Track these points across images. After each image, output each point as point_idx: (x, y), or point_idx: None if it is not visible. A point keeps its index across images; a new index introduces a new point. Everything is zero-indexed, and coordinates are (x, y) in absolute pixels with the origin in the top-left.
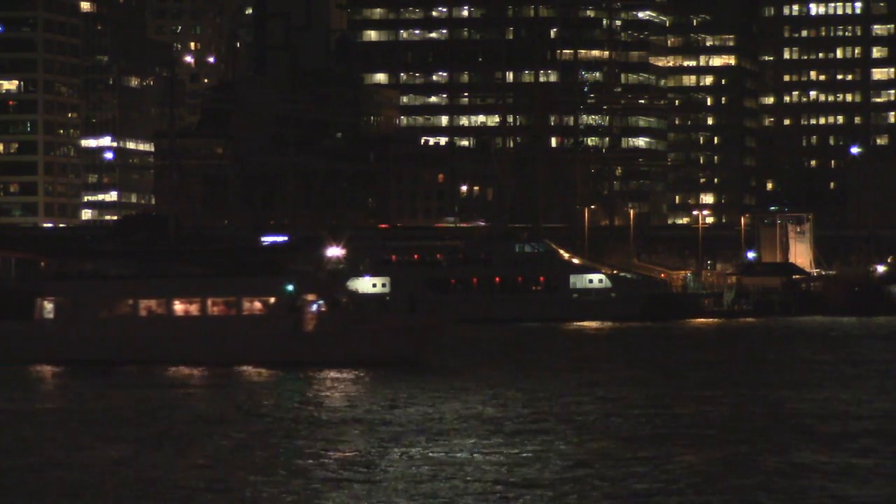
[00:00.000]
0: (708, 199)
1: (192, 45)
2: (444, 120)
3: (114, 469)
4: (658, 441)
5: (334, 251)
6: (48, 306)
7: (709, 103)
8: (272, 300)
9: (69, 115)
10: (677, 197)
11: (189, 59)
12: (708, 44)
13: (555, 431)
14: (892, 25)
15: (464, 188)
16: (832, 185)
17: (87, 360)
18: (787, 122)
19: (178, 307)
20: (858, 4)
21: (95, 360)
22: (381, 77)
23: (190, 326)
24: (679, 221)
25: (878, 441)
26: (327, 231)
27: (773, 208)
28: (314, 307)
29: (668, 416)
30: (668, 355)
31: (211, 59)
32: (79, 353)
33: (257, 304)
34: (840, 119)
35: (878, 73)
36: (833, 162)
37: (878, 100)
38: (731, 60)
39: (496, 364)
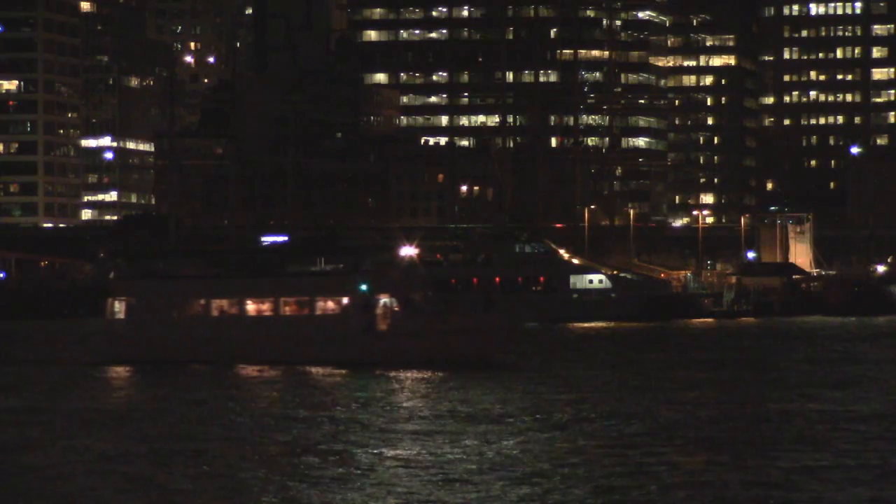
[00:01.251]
0: (708, 199)
1: (192, 45)
2: (444, 120)
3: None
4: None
5: (408, 250)
6: (119, 306)
7: (709, 103)
8: (346, 300)
9: (69, 115)
10: (677, 197)
11: (189, 59)
12: (708, 44)
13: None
14: (892, 25)
15: (464, 188)
16: (832, 185)
17: (159, 360)
18: (787, 122)
19: (251, 307)
20: (858, 4)
21: (167, 360)
22: (381, 77)
23: (262, 326)
24: (679, 221)
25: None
26: (400, 230)
27: (773, 208)
28: (388, 306)
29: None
30: (709, 356)
31: (211, 59)
32: (150, 354)
33: (331, 304)
34: (840, 119)
35: (878, 73)
36: (833, 162)
37: (878, 100)
38: (731, 60)
39: (564, 363)
